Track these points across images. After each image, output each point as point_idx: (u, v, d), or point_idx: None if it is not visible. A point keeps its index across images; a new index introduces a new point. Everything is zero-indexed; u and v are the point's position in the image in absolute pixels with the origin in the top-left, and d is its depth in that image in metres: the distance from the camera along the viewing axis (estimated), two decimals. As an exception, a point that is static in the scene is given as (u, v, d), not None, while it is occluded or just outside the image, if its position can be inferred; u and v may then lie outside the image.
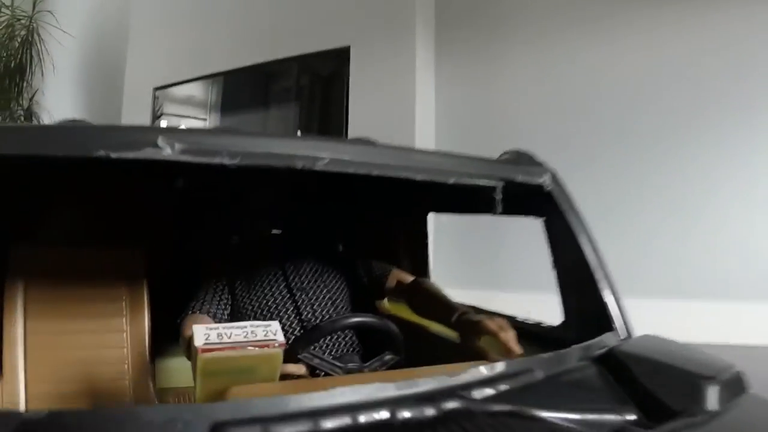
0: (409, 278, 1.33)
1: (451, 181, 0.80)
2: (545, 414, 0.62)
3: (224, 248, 1.43)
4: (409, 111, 4.01)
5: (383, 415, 0.60)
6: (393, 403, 0.61)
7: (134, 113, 6.09)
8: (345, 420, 0.59)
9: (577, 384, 0.74)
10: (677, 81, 3.49)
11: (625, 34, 3.67)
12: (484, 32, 4.22)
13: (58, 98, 7.08)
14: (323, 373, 0.96)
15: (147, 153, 0.62)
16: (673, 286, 3.43)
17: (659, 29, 3.58)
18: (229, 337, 0.72)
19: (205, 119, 5.89)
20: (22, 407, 1.14)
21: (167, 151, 0.63)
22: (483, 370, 0.69)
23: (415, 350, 1.10)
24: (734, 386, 0.77)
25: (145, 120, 6.02)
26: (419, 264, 1.67)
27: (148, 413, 0.56)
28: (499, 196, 0.86)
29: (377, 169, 0.74)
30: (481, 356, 0.98)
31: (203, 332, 0.72)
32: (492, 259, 4.15)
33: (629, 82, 3.63)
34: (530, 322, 1.15)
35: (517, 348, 0.94)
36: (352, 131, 4.27)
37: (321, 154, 0.72)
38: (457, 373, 0.67)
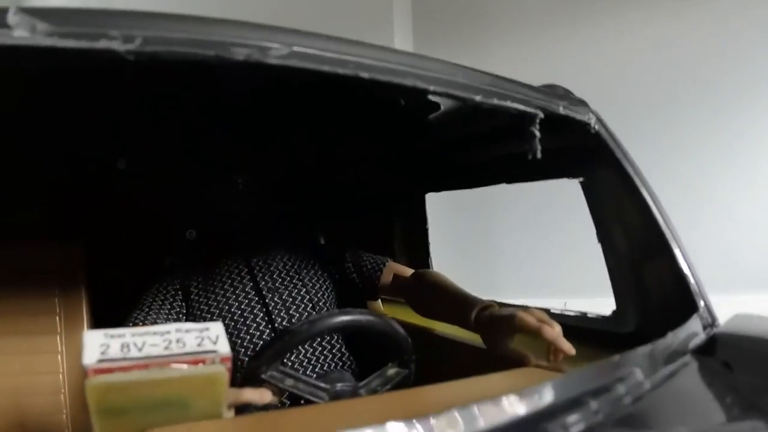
0: (407, 271, 1.07)
1: (478, 98, 0.54)
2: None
3: (177, 243, 1.16)
4: None
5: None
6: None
7: None
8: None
9: (691, 390, 0.49)
10: (675, 66, 3.32)
11: (613, 15, 3.50)
12: (463, 23, 4.08)
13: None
14: (302, 401, 0.69)
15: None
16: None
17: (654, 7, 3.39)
18: (141, 349, 0.46)
19: None
20: None
21: (21, 32, 0.38)
22: (555, 389, 0.43)
23: (426, 361, 0.84)
24: None
25: None
26: (419, 255, 1.41)
27: None
28: (537, 130, 0.60)
29: (367, 71, 0.48)
30: (517, 362, 0.72)
31: (99, 341, 0.46)
32: (489, 264, 3.98)
33: (620, 66, 3.43)
34: (572, 314, 0.89)
35: (568, 346, 0.68)
36: None
37: (275, 40, 0.46)
38: (517, 394, 0.41)
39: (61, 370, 1.03)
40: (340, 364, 0.92)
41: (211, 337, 0.49)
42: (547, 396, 0.41)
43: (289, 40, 0.48)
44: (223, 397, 0.49)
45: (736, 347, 0.56)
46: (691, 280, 0.68)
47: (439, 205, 4.30)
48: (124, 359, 0.45)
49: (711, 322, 0.66)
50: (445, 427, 0.38)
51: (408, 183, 1.36)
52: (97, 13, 0.43)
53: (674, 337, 0.58)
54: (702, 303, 0.67)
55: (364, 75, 0.50)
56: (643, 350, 0.53)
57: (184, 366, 0.46)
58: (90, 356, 0.45)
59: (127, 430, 0.47)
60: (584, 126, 0.70)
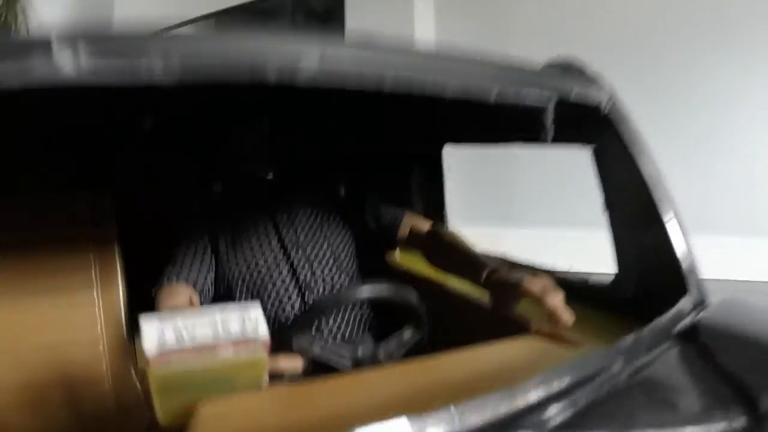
0: (425, 226, 1.12)
1: (492, 99, 0.57)
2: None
3: (205, 197, 1.21)
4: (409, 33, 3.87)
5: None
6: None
7: None
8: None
9: (665, 380, 0.55)
10: (699, 6, 3.28)
11: None
12: None
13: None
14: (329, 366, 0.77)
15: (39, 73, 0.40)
16: (698, 220, 3.33)
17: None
18: (193, 335, 0.52)
19: None
20: None
21: (67, 69, 0.41)
22: (548, 384, 0.49)
23: (436, 315, 0.91)
24: None
25: None
26: (434, 206, 1.46)
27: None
28: (549, 121, 0.64)
29: (391, 82, 0.51)
30: (520, 326, 0.79)
31: (155, 332, 0.52)
32: (506, 194, 4.04)
33: (647, 7, 3.42)
34: (575, 278, 0.95)
35: (567, 316, 0.74)
36: None
37: (304, 59, 0.49)
38: (515, 392, 0.47)
39: (98, 323, 1.11)
40: (366, 326, 1.00)
41: (251, 319, 0.55)
42: (532, 394, 0.47)
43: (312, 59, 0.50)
44: (263, 375, 0.56)
45: (719, 335, 0.62)
46: (683, 263, 0.73)
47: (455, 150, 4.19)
48: (181, 350, 0.51)
49: (700, 302, 0.72)
50: (439, 422, 0.44)
51: (425, 137, 1.39)
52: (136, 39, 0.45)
53: (659, 323, 0.64)
54: (693, 284, 0.72)
55: (388, 79, 0.53)
56: (628, 340, 0.59)
57: (231, 351, 0.53)
58: (150, 347, 0.51)
59: (182, 403, 0.54)
60: (595, 108, 0.72)
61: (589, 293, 0.90)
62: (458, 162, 4.32)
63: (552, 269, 0.98)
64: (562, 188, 3.83)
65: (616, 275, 0.87)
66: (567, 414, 0.47)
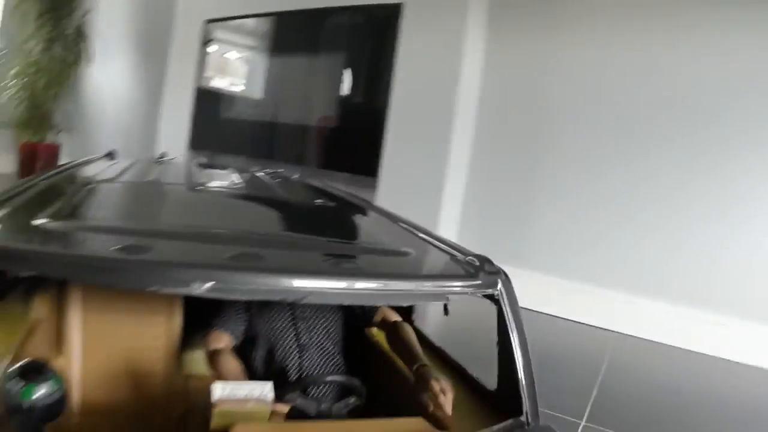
0: (393, 317, 1.64)
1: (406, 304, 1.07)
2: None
3: None
4: (454, 75, 4.29)
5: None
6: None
7: (184, 42, 6.37)
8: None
9: None
10: (731, 83, 3.55)
11: (682, 31, 3.76)
12: (541, 3, 4.31)
13: (108, 20, 7.37)
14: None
15: (184, 289, 0.89)
16: (702, 295, 3.57)
17: (718, 31, 3.62)
18: (236, 393, 1.04)
19: (254, 47, 6.06)
20: (77, 378, 1.49)
21: (199, 290, 0.90)
22: None
23: (380, 377, 1.42)
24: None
25: (193, 49, 6.23)
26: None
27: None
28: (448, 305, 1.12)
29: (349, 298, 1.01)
30: (423, 408, 1.29)
31: (220, 388, 1.04)
32: (520, 237, 4.37)
33: (677, 81, 3.74)
34: (478, 382, 1.44)
35: (448, 413, 1.24)
36: (398, 88, 4.61)
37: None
38: None
39: (160, 339, 1.62)
40: (332, 390, 1.50)
41: (266, 391, 1.07)
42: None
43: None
44: (267, 416, 1.08)
45: None
46: (524, 398, 1.21)
47: (483, 177, 4.37)
48: (230, 399, 1.03)
49: (527, 423, 1.19)
50: None
51: None
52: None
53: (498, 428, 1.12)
54: (525, 408, 1.20)
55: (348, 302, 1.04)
56: None
57: (252, 403, 1.04)
58: (215, 396, 1.03)
59: (226, 422, 1.05)
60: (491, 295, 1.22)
61: (481, 396, 1.39)
62: (479, 196, 4.82)
63: (467, 373, 1.48)
64: (573, 240, 4.17)
65: (497, 388, 1.34)
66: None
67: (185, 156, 5.84)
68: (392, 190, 4.54)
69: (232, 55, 6.48)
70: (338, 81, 5.36)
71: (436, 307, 1.39)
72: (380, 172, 4.67)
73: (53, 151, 6.81)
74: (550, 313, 4.05)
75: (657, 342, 3.63)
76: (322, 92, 5.59)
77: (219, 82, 6.42)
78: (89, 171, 1.80)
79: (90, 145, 7.64)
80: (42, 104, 6.45)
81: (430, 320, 2.54)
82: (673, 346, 3.57)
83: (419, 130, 4.45)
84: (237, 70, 6.43)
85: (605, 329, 3.80)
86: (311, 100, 5.70)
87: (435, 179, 4.32)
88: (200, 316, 1.59)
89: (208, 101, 6.37)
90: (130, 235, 0.98)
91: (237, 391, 1.04)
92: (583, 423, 2.31)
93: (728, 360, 3.39)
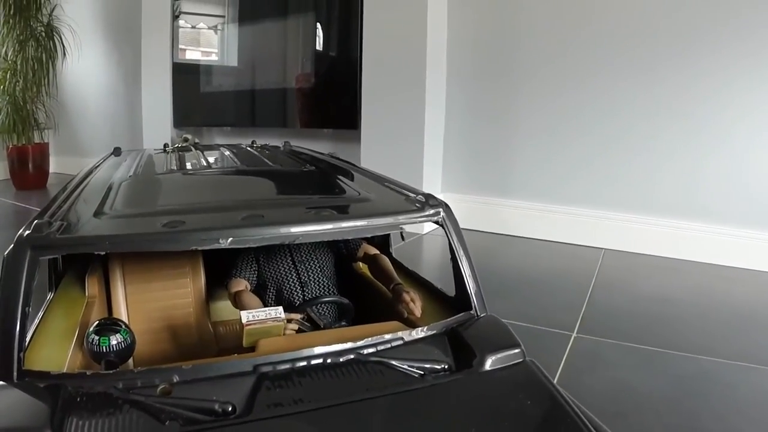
0: (372, 251, 2.04)
1: (370, 235, 1.46)
2: (397, 363, 1.32)
3: None
4: (421, 16, 4.37)
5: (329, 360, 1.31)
6: (333, 355, 1.33)
7: (154, 20, 6.50)
8: (314, 361, 1.30)
9: (424, 347, 1.43)
10: (702, 9, 3.58)
11: None
12: None
13: (76, 11, 7.44)
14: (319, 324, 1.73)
15: (215, 245, 1.26)
16: (687, 207, 3.76)
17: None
18: (259, 317, 1.44)
19: (223, 17, 6.14)
20: None
21: (225, 244, 1.27)
22: (372, 338, 1.38)
23: (365, 299, 1.84)
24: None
25: (165, 25, 6.38)
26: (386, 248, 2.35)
27: (218, 367, 1.26)
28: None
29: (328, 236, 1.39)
30: (399, 314, 1.70)
31: (246, 315, 1.44)
32: (504, 169, 4.54)
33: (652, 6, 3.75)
34: (443, 291, 1.83)
35: (418, 315, 1.64)
36: (367, 36, 4.70)
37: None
38: (355, 338, 1.34)
39: (190, 297, 2.00)
40: (331, 310, 1.90)
41: (279, 312, 1.46)
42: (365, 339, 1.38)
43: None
44: (282, 329, 1.48)
45: (459, 331, 1.48)
46: (471, 291, 1.60)
47: (460, 114, 4.81)
48: (255, 320, 1.42)
49: (476, 315, 1.58)
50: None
51: None
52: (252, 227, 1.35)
53: (443, 323, 1.52)
54: (474, 304, 1.59)
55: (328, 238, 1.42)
56: (420, 328, 1.48)
57: (269, 322, 1.44)
58: (244, 319, 1.42)
59: (254, 339, 1.44)
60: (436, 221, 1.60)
61: (445, 302, 1.79)
62: (458, 133, 5.07)
63: (434, 285, 1.87)
64: (557, 167, 4.34)
65: (455, 294, 1.74)
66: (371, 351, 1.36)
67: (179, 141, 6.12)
68: (374, 140, 4.71)
69: (203, 26, 6.60)
70: (311, 39, 5.51)
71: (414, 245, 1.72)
72: (361, 123, 4.85)
73: (43, 150, 6.99)
74: (539, 237, 4.28)
75: (645, 254, 3.80)
76: (295, 53, 5.76)
77: (194, 55, 6.57)
78: (113, 170, 2.15)
79: (77, 138, 7.85)
80: (23, 107, 6.59)
81: (406, 255, 2.83)
82: (661, 257, 3.73)
83: (393, 77, 4.55)
84: (210, 41, 6.56)
85: (594, 247, 3.98)
86: (286, 63, 5.87)
87: (415, 123, 4.45)
88: (218, 276, 1.99)
89: (186, 77, 6.51)
90: (168, 215, 1.35)
91: (258, 315, 1.43)
92: (574, 334, 2.45)
93: (715, 264, 3.59)
